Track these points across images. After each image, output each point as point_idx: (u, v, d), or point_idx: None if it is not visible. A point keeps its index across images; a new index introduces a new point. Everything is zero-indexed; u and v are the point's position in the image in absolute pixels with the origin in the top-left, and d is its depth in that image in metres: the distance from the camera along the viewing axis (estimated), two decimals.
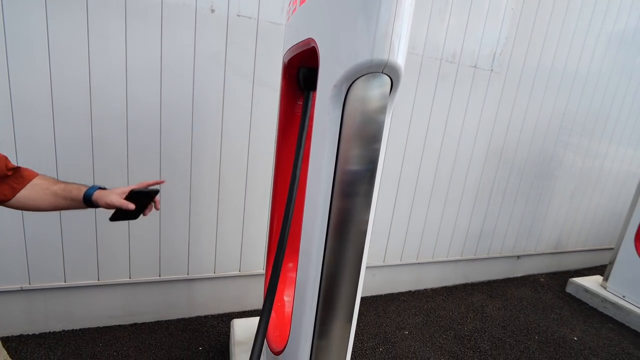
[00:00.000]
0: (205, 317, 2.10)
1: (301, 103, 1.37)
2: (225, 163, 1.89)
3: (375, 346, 2.02)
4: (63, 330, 1.83)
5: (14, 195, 0.84)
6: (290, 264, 1.53)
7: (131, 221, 1.78)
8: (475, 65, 2.33)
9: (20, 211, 1.58)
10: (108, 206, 0.90)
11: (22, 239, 1.62)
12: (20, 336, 1.74)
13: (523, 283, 3.07)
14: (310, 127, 1.39)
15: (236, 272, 2.09)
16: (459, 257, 2.81)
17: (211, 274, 2.03)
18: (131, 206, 0.91)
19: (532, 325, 2.42)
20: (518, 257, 3.13)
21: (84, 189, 0.91)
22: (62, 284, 1.75)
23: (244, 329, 1.77)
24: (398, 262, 2.56)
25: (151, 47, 1.62)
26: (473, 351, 2.07)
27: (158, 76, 1.66)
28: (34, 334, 1.77)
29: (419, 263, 2.65)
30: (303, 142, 1.25)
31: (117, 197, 0.90)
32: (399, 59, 0.69)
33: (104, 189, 0.94)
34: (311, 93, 1.29)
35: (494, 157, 2.65)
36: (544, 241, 3.21)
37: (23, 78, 1.47)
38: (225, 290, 2.12)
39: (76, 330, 1.85)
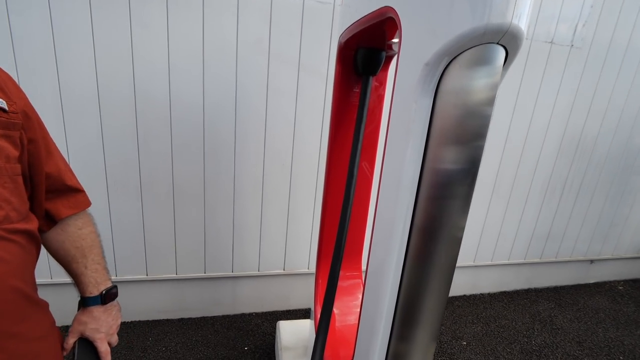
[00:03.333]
0: (250, 314, 2.05)
1: (358, 90, 1.20)
2: (269, 158, 1.78)
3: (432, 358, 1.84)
4: None
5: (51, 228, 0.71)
6: (341, 272, 1.40)
7: (177, 216, 1.76)
8: (551, 40, 1.98)
9: None
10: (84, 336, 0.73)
11: None
12: None
13: (597, 291, 2.69)
14: (369, 117, 1.24)
15: (280, 271, 2.01)
16: (522, 260, 2.51)
17: (255, 272, 1.97)
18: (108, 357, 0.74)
19: (614, 343, 2.09)
20: (591, 261, 2.74)
21: (88, 291, 0.74)
22: (113, 277, 1.77)
23: (290, 333, 1.68)
24: None
25: (193, 36, 1.53)
26: None
27: (200, 68, 1.58)
28: None
29: (475, 266, 2.40)
30: (361, 135, 1.09)
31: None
32: (523, 21, 0.50)
33: (102, 303, 0.75)
34: (370, 79, 1.12)
35: (569, 148, 2.29)
36: (624, 244, 2.78)
37: (69, 72, 1.46)
38: (269, 289, 2.05)
39: (128, 322, 1.88)
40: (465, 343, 1.98)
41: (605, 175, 2.46)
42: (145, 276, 1.81)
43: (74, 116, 1.51)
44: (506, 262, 2.46)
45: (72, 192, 0.73)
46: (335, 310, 1.34)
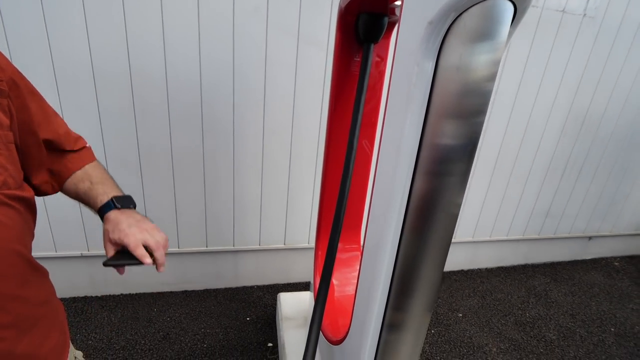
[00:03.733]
0: (252, 287, 2.10)
1: (359, 59, 1.16)
2: (269, 133, 1.76)
3: (428, 328, 1.90)
4: (122, 294, 1.92)
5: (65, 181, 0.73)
6: (341, 244, 1.41)
7: (177, 191, 1.76)
8: (563, 9, 1.90)
9: None
10: (116, 242, 0.68)
11: (78, 209, 1.66)
12: (85, 297, 1.86)
13: (593, 267, 2.73)
14: (369, 93, 1.20)
15: (281, 245, 2.04)
16: (520, 237, 2.53)
17: (256, 246, 2.00)
18: (148, 260, 0.67)
19: (606, 315, 2.15)
20: (589, 238, 2.77)
21: (99, 200, 0.71)
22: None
23: (290, 304, 1.73)
24: (453, 240, 2.35)
25: (187, 5, 1.46)
26: (537, 340, 1.88)
27: (196, 39, 1.52)
28: (96, 296, 1.88)
29: (474, 241, 2.43)
30: (361, 106, 1.06)
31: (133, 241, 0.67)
32: None
33: (118, 207, 0.70)
34: (372, 46, 1.08)
35: (574, 125, 2.25)
36: (623, 222, 2.79)
37: (62, 48, 1.41)
38: (270, 262, 2.09)
39: (133, 294, 1.93)
40: (461, 315, 2.03)
41: (609, 154, 2.43)
42: None
43: (69, 93, 1.48)
44: (505, 238, 2.49)
45: (73, 153, 0.74)
46: (334, 281, 1.36)
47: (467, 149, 0.59)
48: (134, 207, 0.75)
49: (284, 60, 1.65)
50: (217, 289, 2.04)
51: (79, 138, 0.78)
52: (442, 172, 0.61)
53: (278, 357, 1.61)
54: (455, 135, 0.58)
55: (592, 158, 2.41)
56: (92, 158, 0.79)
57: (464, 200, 2.19)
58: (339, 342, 0.98)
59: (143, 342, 1.64)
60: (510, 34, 0.55)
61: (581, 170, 2.43)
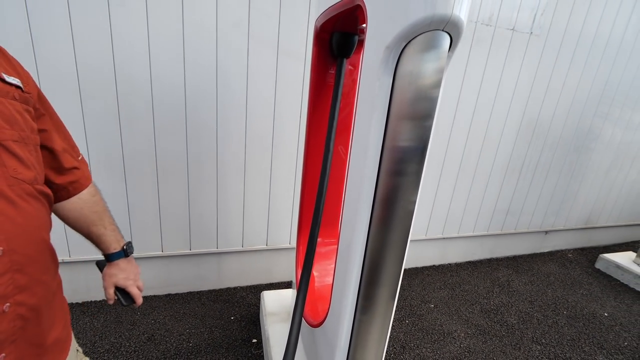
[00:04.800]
0: (235, 288, 2.16)
1: (333, 72, 1.30)
2: (251, 139, 1.86)
3: (402, 318, 2.04)
4: (103, 300, 1.92)
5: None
6: (320, 239, 1.53)
7: (161, 195, 1.81)
8: (513, 27, 2.15)
9: None
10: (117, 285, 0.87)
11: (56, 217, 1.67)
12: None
13: (550, 258, 3.00)
14: (344, 95, 1.34)
15: (263, 246, 2.12)
16: (485, 233, 2.75)
17: (239, 248, 2.07)
18: (138, 300, 0.89)
19: (560, 301, 2.38)
20: (546, 232, 3.05)
21: (112, 248, 0.86)
22: (98, 257, 1.81)
23: (273, 300, 1.81)
24: (423, 237, 2.54)
25: (172, 17, 1.55)
26: (500, 325, 2.07)
27: (181, 49, 1.61)
28: (77, 302, 1.87)
29: (444, 238, 2.62)
30: (336, 113, 1.20)
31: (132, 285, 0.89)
32: (463, 13, 0.62)
33: (126, 255, 0.88)
34: (345, 60, 1.22)
35: (527, 130, 2.51)
36: (574, 217, 3.10)
37: (47, 53, 1.45)
38: (253, 263, 2.16)
39: None
40: (432, 305, 2.19)
41: (559, 155, 2.72)
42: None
43: (53, 98, 1.50)
44: (471, 234, 2.70)
45: (70, 175, 0.80)
46: (314, 272, 1.47)
47: (419, 150, 0.73)
48: (133, 249, 0.94)
49: (264, 70, 1.77)
50: (200, 291, 2.09)
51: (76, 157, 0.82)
52: (400, 171, 0.74)
53: (262, 352, 1.69)
54: (409, 137, 0.71)
55: (544, 159, 2.68)
56: (90, 178, 0.85)
57: (434, 198, 2.40)
58: (318, 325, 1.09)
59: (128, 344, 1.66)
60: (449, 56, 0.69)
61: (535, 171, 2.69)
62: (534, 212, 2.88)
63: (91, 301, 1.90)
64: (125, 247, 0.87)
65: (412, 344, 1.85)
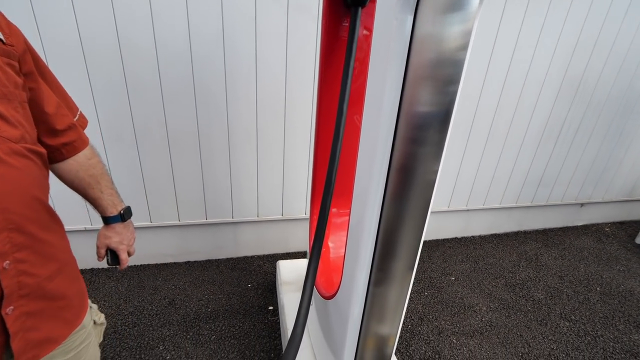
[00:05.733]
0: (252, 257, 2.18)
1: (347, 24, 1.16)
2: (262, 106, 1.77)
3: (420, 290, 2.00)
4: (127, 266, 1.99)
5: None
6: (334, 209, 1.46)
7: (174, 165, 1.79)
8: None
9: None
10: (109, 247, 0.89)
11: None
12: (92, 269, 1.94)
13: (584, 232, 2.81)
14: (358, 67, 1.21)
15: (279, 217, 2.10)
16: (513, 204, 2.59)
17: (255, 218, 2.06)
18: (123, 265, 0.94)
19: (593, 276, 2.24)
20: (581, 204, 2.83)
21: (108, 211, 0.86)
22: None
23: (289, 270, 1.80)
24: (445, 209, 2.42)
25: None
26: (526, 299, 1.98)
27: (184, 10, 1.50)
28: (102, 268, 1.96)
29: (468, 210, 2.49)
30: (350, 71, 1.07)
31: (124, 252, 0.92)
32: None
33: (123, 220, 0.89)
34: (359, 10, 1.08)
35: (569, 91, 2.24)
36: (615, 188, 2.84)
37: (49, 23, 1.40)
38: (269, 233, 2.16)
39: (138, 265, 2.01)
40: (453, 278, 2.12)
41: (604, 119, 2.44)
42: (150, 223, 1.90)
43: (58, 68, 1.47)
44: (498, 206, 2.54)
45: (66, 135, 0.76)
46: (330, 243, 1.43)
47: (442, 116, 0.62)
48: (131, 214, 0.92)
49: (274, 30, 1.64)
50: (218, 259, 2.12)
51: (70, 115, 0.77)
52: (419, 139, 0.65)
53: (278, 319, 1.71)
54: (430, 102, 0.60)
55: (586, 124, 2.42)
56: (84, 144, 0.80)
57: (458, 168, 2.24)
58: (331, 297, 1.05)
59: (150, 307, 1.73)
60: (480, 4, 0.56)
61: (575, 137, 2.45)
62: (570, 182, 2.65)
63: (115, 267, 1.97)
64: (122, 211, 0.87)
65: (430, 316, 1.81)
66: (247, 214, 2.04)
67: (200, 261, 2.10)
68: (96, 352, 0.89)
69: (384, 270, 0.81)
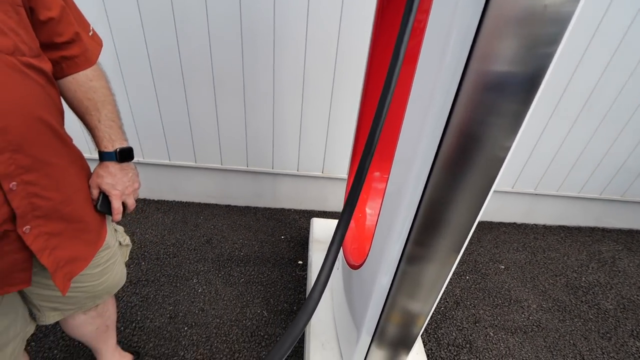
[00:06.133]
0: (289, 210, 2.17)
1: None
2: (311, 50, 1.59)
3: (462, 273, 1.83)
4: (174, 201, 2.12)
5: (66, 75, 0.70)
6: (377, 173, 1.32)
7: (219, 107, 1.76)
8: None
9: (125, 88, 1.67)
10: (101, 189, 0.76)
11: (131, 117, 1.76)
12: (144, 199, 2.09)
13: None
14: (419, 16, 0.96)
15: (319, 173, 2.01)
16: (595, 195, 2.17)
17: (294, 171, 2.00)
18: (116, 215, 0.79)
19: None
20: None
21: (102, 146, 0.75)
22: (167, 162, 1.93)
23: (322, 229, 1.75)
24: (508, 189, 2.11)
25: None
26: (589, 306, 1.70)
27: None
28: (153, 200, 2.10)
29: (536, 194, 2.15)
30: (411, 21, 0.85)
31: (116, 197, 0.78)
32: None
33: (117, 161, 0.77)
34: None
35: None
36: None
37: None
38: (308, 189, 2.10)
39: (184, 202, 2.12)
40: (503, 267, 1.90)
41: None
42: (194, 163, 1.95)
43: (110, 4, 1.45)
44: (575, 194, 2.15)
45: (68, 45, 0.69)
46: (368, 210, 1.31)
47: (529, 82, 0.43)
48: (132, 157, 0.80)
49: None
50: (256, 207, 2.15)
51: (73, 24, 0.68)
52: (490, 106, 0.48)
53: (306, 274, 1.70)
54: (519, 49, 0.41)
55: None
56: (87, 63, 0.72)
57: (535, 144, 1.86)
58: (357, 267, 0.96)
59: (189, 242, 1.83)
60: None
61: None
62: None
63: (164, 200, 2.11)
64: (118, 150, 0.76)
65: (467, 302, 1.66)
66: (287, 166, 1.98)
67: (239, 206, 2.14)
68: (122, 270, 0.93)
69: (423, 245, 0.69)
